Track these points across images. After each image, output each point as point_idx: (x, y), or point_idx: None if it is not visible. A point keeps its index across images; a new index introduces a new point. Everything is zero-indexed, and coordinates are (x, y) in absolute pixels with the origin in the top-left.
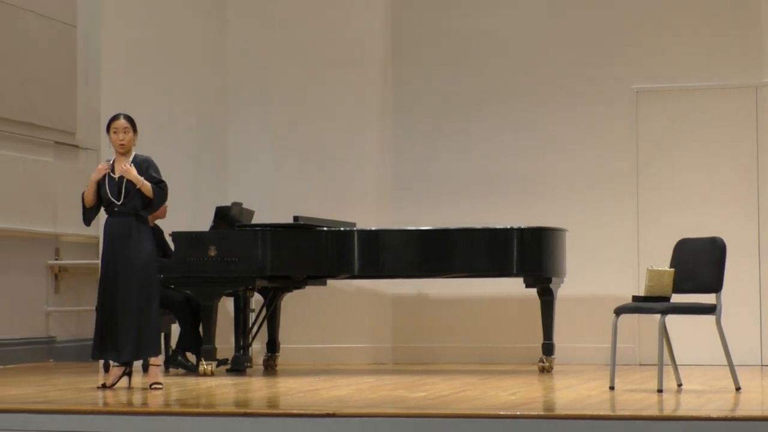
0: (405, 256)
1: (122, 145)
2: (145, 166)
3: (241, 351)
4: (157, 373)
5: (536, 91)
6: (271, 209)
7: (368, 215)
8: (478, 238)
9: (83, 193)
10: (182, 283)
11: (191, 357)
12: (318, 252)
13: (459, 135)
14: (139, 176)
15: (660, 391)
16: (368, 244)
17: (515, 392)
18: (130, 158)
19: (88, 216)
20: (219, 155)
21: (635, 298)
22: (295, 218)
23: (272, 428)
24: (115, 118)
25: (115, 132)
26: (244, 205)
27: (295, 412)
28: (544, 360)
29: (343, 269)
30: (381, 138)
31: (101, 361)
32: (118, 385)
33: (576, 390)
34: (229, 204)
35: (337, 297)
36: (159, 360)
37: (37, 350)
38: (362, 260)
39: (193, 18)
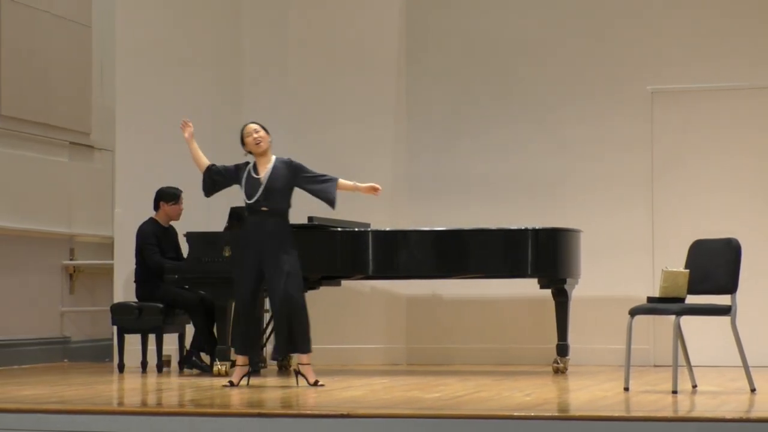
0: (419, 257)
1: (259, 144)
2: (289, 168)
3: None
4: (310, 371)
5: (551, 92)
6: None
7: (382, 216)
8: (493, 239)
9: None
10: (196, 283)
11: (205, 357)
12: (332, 252)
13: (473, 135)
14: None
15: (675, 392)
16: (383, 245)
17: (530, 393)
18: (272, 160)
19: (205, 185)
20: (233, 155)
21: (650, 299)
22: (310, 219)
23: (286, 429)
24: (245, 126)
25: (248, 135)
26: None
27: (309, 412)
28: (559, 361)
29: (358, 270)
30: (395, 138)
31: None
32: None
33: (590, 391)
34: (243, 204)
35: (351, 297)
36: (308, 358)
37: (51, 350)
38: (376, 261)
39: (207, 18)
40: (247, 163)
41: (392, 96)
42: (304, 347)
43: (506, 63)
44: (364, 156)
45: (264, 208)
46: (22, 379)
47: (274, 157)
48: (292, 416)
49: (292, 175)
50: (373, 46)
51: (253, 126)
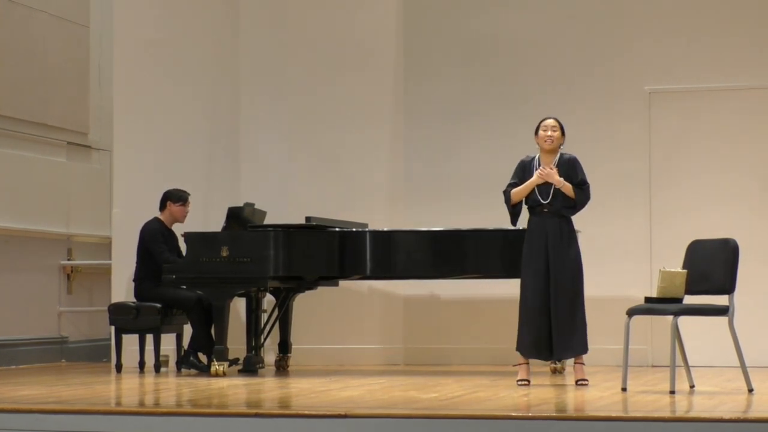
0: (417, 257)
1: (549, 141)
2: (567, 166)
3: (253, 352)
4: (582, 370)
5: (548, 92)
6: (283, 210)
7: (380, 216)
8: (491, 239)
9: (509, 192)
10: (194, 283)
11: (203, 357)
12: (330, 253)
13: (471, 135)
14: (559, 178)
15: (672, 392)
16: (380, 245)
17: (527, 393)
18: (556, 157)
19: (516, 215)
20: (231, 156)
21: (648, 300)
22: (307, 219)
23: (284, 429)
24: (545, 118)
25: (543, 130)
26: (256, 206)
27: (306, 412)
28: (556, 361)
29: (355, 270)
30: (393, 139)
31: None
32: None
33: (588, 391)
34: (241, 204)
35: (348, 298)
36: (582, 358)
37: (49, 350)
38: (374, 261)
39: (205, 19)
40: (531, 158)
41: (389, 97)
42: (586, 347)
43: (503, 64)
44: (361, 157)
45: (551, 208)
46: (19, 379)
47: (559, 155)
48: (290, 416)
49: (565, 176)
50: (371, 48)
51: (551, 122)
